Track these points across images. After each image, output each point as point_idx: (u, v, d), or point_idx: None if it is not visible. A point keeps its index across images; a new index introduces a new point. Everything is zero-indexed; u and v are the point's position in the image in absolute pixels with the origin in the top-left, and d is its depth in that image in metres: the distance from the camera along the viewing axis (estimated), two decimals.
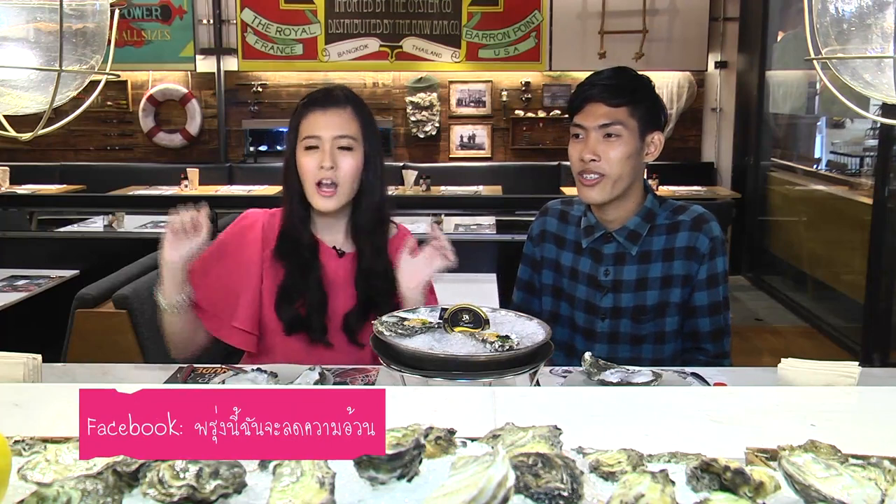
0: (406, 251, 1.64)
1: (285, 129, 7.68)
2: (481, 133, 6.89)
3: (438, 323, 1.41)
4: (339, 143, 1.65)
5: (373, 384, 1.48)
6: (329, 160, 1.63)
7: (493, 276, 2.99)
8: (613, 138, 1.70)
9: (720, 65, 6.66)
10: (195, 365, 1.56)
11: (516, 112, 6.80)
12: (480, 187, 6.17)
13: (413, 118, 6.75)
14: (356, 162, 1.67)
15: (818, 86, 5.43)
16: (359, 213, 1.72)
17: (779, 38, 6.10)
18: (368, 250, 1.72)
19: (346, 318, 1.69)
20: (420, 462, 0.79)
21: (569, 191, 5.72)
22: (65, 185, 6.08)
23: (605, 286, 1.78)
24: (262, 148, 6.92)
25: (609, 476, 0.82)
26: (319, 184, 1.65)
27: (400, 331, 1.37)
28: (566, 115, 1.84)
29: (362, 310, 1.68)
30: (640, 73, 1.79)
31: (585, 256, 1.81)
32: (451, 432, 0.88)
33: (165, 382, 1.48)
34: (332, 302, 1.69)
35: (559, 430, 0.89)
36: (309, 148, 1.66)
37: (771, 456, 0.89)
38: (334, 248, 1.73)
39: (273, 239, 1.71)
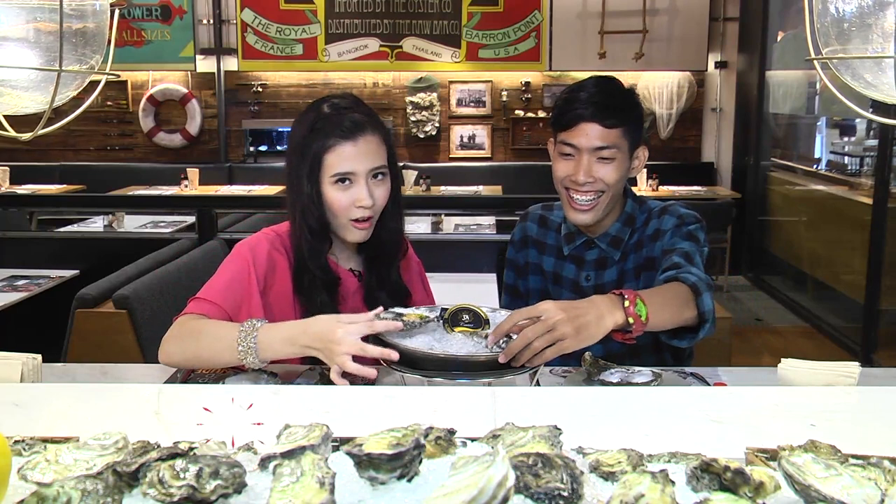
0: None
1: (285, 129, 7.63)
2: (481, 133, 6.89)
3: (438, 316, 1.40)
4: (373, 174, 1.55)
5: (373, 384, 1.48)
6: (368, 197, 1.52)
7: (493, 276, 2.98)
8: (608, 160, 1.65)
9: (720, 65, 6.65)
10: None
11: (516, 112, 6.80)
12: (480, 187, 6.17)
13: (413, 118, 6.75)
14: (388, 190, 1.58)
15: (818, 86, 5.43)
16: (379, 239, 1.63)
17: (779, 38, 6.10)
18: (381, 272, 1.65)
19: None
20: (420, 462, 0.79)
21: None
22: (65, 185, 6.08)
23: (586, 291, 1.77)
24: (262, 148, 6.93)
25: (609, 476, 0.82)
26: (356, 219, 1.54)
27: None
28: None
29: None
30: (624, 81, 1.74)
31: (568, 262, 1.80)
32: (451, 432, 0.88)
33: (165, 382, 1.48)
34: None
35: (559, 430, 0.90)
36: (340, 181, 1.53)
37: (771, 456, 0.89)
38: (350, 269, 1.66)
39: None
